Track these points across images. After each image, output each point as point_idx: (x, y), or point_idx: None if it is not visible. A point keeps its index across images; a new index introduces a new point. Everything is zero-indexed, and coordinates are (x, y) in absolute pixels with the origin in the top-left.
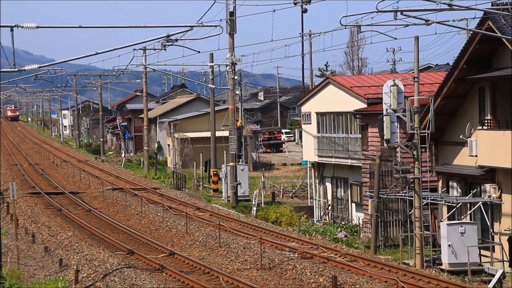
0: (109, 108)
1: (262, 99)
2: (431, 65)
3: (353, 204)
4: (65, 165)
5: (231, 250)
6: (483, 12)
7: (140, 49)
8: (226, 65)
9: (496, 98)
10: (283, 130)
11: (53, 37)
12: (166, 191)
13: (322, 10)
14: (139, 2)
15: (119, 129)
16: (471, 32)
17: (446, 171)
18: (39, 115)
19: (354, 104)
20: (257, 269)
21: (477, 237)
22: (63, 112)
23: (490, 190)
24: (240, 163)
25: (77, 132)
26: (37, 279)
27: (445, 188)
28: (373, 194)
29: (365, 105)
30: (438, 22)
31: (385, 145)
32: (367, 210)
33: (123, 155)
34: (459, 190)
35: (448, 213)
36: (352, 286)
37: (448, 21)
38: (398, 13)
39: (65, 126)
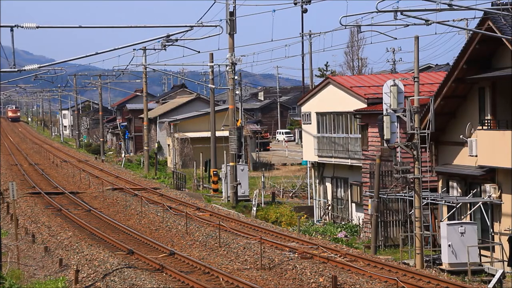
0: (109, 108)
1: (262, 99)
2: (431, 65)
3: (353, 204)
4: (65, 165)
5: (231, 250)
6: (483, 12)
7: (140, 49)
8: (226, 65)
9: (496, 98)
10: (282, 130)
11: (53, 37)
12: (166, 191)
13: (322, 10)
14: (139, 2)
15: (119, 129)
16: (471, 32)
17: (446, 171)
18: (39, 115)
19: (354, 104)
20: (257, 269)
21: (477, 237)
22: (63, 112)
23: (490, 190)
24: (240, 163)
25: (77, 132)
26: (37, 279)
27: (445, 188)
28: (373, 194)
29: (365, 105)
30: (438, 22)
31: (385, 145)
32: (367, 210)
33: (123, 155)
34: (459, 190)
35: (448, 213)
36: (352, 286)
37: (448, 21)
38: (398, 13)
39: (65, 126)
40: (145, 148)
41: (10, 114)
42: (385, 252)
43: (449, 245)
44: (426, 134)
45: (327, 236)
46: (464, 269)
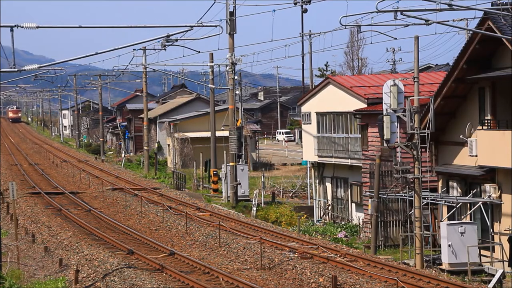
0: (109, 108)
1: (262, 99)
2: (431, 65)
3: (353, 204)
4: (65, 165)
5: (231, 250)
6: (483, 12)
7: (140, 49)
8: (226, 65)
9: (496, 98)
10: (282, 130)
11: (53, 37)
12: (166, 191)
13: (322, 10)
14: (139, 2)
15: (119, 129)
16: (471, 32)
17: (446, 171)
18: (39, 115)
19: (354, 104)
20: (257, 269)
21: (477, 237)
22: (63, 112)
23: (490, 190)
24: (240, 163)
25: (77, 132)
26: (37, 279)
27: (445, 188)
28: (373, 194)
29: (365, 105)
30: (438, 22)
31: (385, 145)
32: (367, 210)
33: (123, 155)
34: (459, 190)
35: (448, 213)
36: (352, 286)
37: (448, 21)
38: (398, 13)
39: (65, 126)
40: (145, 148)
41: (11, 114)
42: (385, 252)
43: (449, 245)
44: (426, 134)
45: (327, 236)
46: (464, 269)
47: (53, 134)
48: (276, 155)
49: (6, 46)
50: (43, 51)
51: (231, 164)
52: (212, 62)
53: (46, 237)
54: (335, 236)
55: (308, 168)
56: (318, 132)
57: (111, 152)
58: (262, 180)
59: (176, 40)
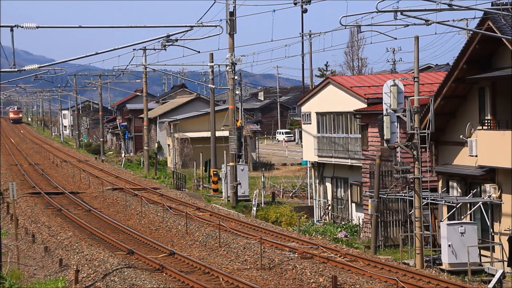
0: (109, 108)
1: (262, 99)
2: (431, 65)
3: (353, 204)
4: (65, 165)
5: (231, 250)
6: (483, 12)
7: (140, 49)
8: (226, 65)
9: (496, 98)
10: (282, 130)
11: (53, 37)
12: (166, 191)
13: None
14: (139, 2)
15: (119, 129)
16: (471, 32)
17: (446, 171)
18: (39, 115)
19: (354, 104)
20: (257, 269)
21: (477, 237)
22: (63, 112)
23: (490, 190)
24: (240, 163)
25: (77, 132)
26: (37, 279)
27: (445, 188)
28: (373, 194)
29: (365, 105)
30: (438, 22)
31: (385, 145)
32: (367, 210)
33: (123, 155)
34: (459, 190)
35: (448, 213)
36: (352, 286)
37: (448, 21)
38: (398, 13)
39: (65, 126)
40: (145, 148)
41: (11, 115)
42: (385, 252)
43: (449, 245)
44: (426, 134)
45: (327, 236)
46: (464, 269)
47: (53, 134)
48: (276, 155)
49: (6, 46)
50: (43, 51)
51: (231, 164)
52: (212, 62)
53: (46, 237)
54: (335, 236)
55: (308, 168)
56: (318, 132)
57: (111, 152)
58: (262, 180)
59: (176, 40)
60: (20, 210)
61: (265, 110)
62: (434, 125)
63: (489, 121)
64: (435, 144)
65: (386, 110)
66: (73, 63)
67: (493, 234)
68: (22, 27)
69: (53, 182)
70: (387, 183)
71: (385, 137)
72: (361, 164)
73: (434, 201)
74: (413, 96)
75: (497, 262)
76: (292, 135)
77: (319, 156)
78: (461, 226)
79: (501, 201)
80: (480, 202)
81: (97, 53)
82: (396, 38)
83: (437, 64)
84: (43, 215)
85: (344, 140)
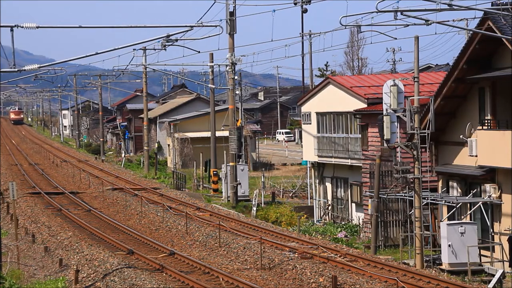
0: (109, 108)
1: (262, 99)
2: (431, 65)
3: (353, 204)
4: (65, 165)
5: (231, 250)
6: (483, 12)
7: (140, 49)
8: (226, 65)
9: (496, 98)
10: (282, 130)
11: (53, 37)
12: (166, 191)
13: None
14: (139, 2)
15: (119, 129)
16: (471, 32)
17: (446, 171)
18: (39, 115)
19: (354, 104)
20: (257, 269)
21: (477, 237)
22: (63, 112)
23: (490, 190)
24: (240, 163)
25: (77, 132)
26: (37, 279)
27: (445, 188)
28: (373, 194)
29: (365, 105)
30: (438, 22)
31: (385, 145)
32: (367, 210)
33: (123, 155)
34: (459, 190)
35: (448, 213)
36: (352, 286)
37: (448, 21)
38: (398, 13)
39: (65, 126)
40: (145, 148)
41: (12, 115)
42: (385, 252)
43: (449, 245)
44: (426, 134)
45: (327, 236)
46: (464, 269)
47: (53, 134)
48: (276, 155)
49: (6, 46)
50: (43, 51)
51: (231, 164)
52: (212, 62)
53: (46, 237)
54: (335, 236)
55: (308, 168)
56: (318, 132)
57: (111, 152)
58: (262, 180)
59: (176, 40)
60: (20, 210)
61: (265, 110)
62: (434, 125)
63: (489, 121)
64: (435, 144)
65: (386, 110)
66: (73, 63)
67: (493, 234)
68: (22, 27)
69: (53, 182)
70: (387, 183)
71: (385, 137)
72: (361, 164)
73: (434, 201)
74: (413, 96)
75: (497, 262)
76: (292, 135)
77: (319, 156)
78: (461, 226)
79: (501, 201)
80: (480, 202)
81: (97, 53)
82: (396, 38)
83: (437, 64)
84: (43, 215)
85: (344, 140)
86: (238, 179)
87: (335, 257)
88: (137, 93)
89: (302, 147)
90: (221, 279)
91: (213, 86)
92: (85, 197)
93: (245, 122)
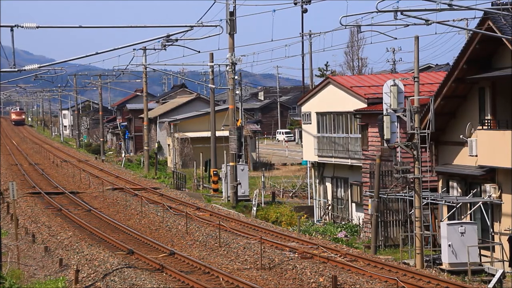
0: (109, 108)
1: (262, 99)
2: (431, 65)
3: (353, 204)
4: (65, 165)
5: (231, 250)
6: (483, 12)
7: (140, 49)
8: (226, 65)
9: (496, 98)
10: (282, 130)
11: (53, 37)
12: (166, 191)
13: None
14: (139, 2)
15: (119, 129)
16: (471, 32)
17: (446, 171)
18: (39, 115)
19: (354, 104)
20: (257, 269)
21: (477, 237)
22: (63, 112)
23: (490, 190)
24: (240, 163)
25: (77, 132)
26: (37, 279)
27: (445, 188)
28: (373, 194)
29: (365, 105)
30: (438, 22)
31: (385, 145)
32: (367, 210)
33: (123, 155)
34: (459, 190)
35: (448, 213)
36: (352, 286)
37: (448, 21)
38: (398, 13)
39: (65, 126)
40: (145, 148)
41: (13, 116)
42: (385, 252)
43: (449, 245)
44: (426, 134)
45: (327, 236)
46: (464, 269)
47: (53, 134)
48: (276, 155)
49: (6, 46)
50: (43, 51)
51: (231, 164)
52: (212, 62)
53: (46, 237)
54: (335, 236)
55: (308, 168)
56: (318, 132)
57: (111, 152)
58: (262, 180)
59: (176, 40)
60: (20, 210)
61: (265, 110)
62: (434, 125)
63: (489, 121)
64: (435, 144)
65: (386, 110)
66: (73, 63)
67: (493, 234)
68: (22, 27)
69: (53, 182)
70: (387, 183)
71: (385, 137)
72: (361, 164)
73: (434, 201)
74: (413, 96)
75: (497, 262)
76: (292, 135)
77: (319, 156)
78: (461, 226)
79: (501, 201)
80: (480, 202)
81: (97, 53)
82: (396, 38)
83: (437, 64)
84: (43, 215)
85: (344, 140)
86: (238, 179)
87: (335, 257)
88: (137, 93)
89: (302, 147)
90: (221, 279)
91: (213, 86)
92: (85, 197)
93: (245, 122)
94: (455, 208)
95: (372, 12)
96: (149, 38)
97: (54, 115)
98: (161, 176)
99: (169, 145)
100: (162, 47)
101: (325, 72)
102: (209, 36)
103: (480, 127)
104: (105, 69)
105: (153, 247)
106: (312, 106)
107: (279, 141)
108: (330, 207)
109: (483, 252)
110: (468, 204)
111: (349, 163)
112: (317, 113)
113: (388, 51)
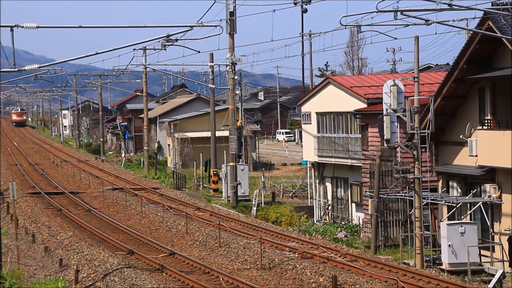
0: (109, 108)
1: (262, 99)
2: (431, 65)
3: (353, 204)
4: (65, 165)
5: (231, 250)
6: (483, 12)
7: (140, 49)
8: (226, 65)
9: (496, 98)
10: (282, 130)
11: (53, 37)
12: (166, 191)
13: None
14: (139, 2)
15: (119, 129)
16: (471, 32)
17: (446, 171)
18: (39, 115)
19: (354, 104)
20: (257, 269)
21: (477, 237)
22: (63, 112)
23: (490, 190)
24: (240, 163)
25: (77, 132)
26: (37, 279)
27: (445, 188)
28: (373, 194)
29: (365, 105)
30: (438, 22)
31: (385, 145)
32: (367, 210)
33: (123, 155)
34: (459, 190)
35: (448, 213)
36: (352, 286)
37: (448, 21)
38: (398, 13)
39: (65, 126)
40: (145, 148)
41: (14, 117)
42: (385, 252)
43: (449, 245)
44: (426, 134)
45: (327, 236)
46: (464, 269)
47: (53, 134)
48: (276, 155)
49: (6, 46)
50: (43, 51)
51: (231, 164)
52: (212, 62)
53: (46, 237)
54: (335, 236)
55: (308, 168)
56: (318, 132)
57: (111, 152)
58: (262, 180)
59: (176, 40)
60: (20, 210)
61: (265, 110)
62: (434, 125)
63: (489, 121)
64: (435, 144)
65: (386, 110)
66: (73, 63)
67: (493, 234)
68: (22, 27)
69: (53, 182)
70: (387, 183)
71: (385, 137)
72: (361, 164)
73: (434, 201)
74: (413, 96)
75: (497, 262)
76: (292, 135)
77: (319, 156)
78: (461, 226)
79: (501, 201)
80: (480, 202)
81: (97, 53)
82: (396, 38)
83: (437, 64)
84: (43, 215)
85: (344, 140)
86: (238, 179)
87: (335, 257)
88: (137, 93)
89: (302, 147)
90: (221, 279)
91: (213, 86)
92: (85, 197)
93: (245, 122)
94: (455, 208)
95: (372, 12)
96: (149, 38)
97: (54, 115)
98: (161, 176)
99: (169, 145)
100: (162, 47)
101: (325, 72)
102: (209, 36)
103: (480, 127)
104: (105, 69)
105: (153, 247)
106: (312, 106)
107: (279, 141)
108: (330, 207)
109: (483, 252)
110: (468, 204)
111: (349, 163)
112: (317, 113)
113: (388, 51)
